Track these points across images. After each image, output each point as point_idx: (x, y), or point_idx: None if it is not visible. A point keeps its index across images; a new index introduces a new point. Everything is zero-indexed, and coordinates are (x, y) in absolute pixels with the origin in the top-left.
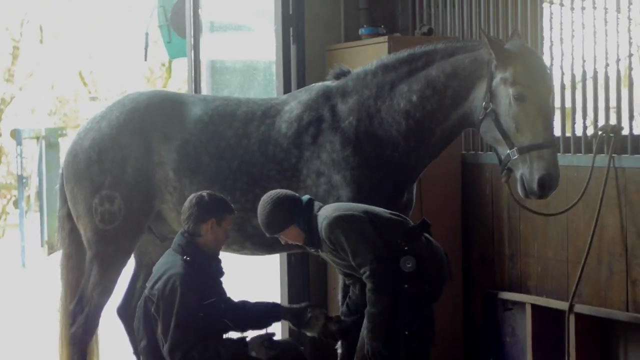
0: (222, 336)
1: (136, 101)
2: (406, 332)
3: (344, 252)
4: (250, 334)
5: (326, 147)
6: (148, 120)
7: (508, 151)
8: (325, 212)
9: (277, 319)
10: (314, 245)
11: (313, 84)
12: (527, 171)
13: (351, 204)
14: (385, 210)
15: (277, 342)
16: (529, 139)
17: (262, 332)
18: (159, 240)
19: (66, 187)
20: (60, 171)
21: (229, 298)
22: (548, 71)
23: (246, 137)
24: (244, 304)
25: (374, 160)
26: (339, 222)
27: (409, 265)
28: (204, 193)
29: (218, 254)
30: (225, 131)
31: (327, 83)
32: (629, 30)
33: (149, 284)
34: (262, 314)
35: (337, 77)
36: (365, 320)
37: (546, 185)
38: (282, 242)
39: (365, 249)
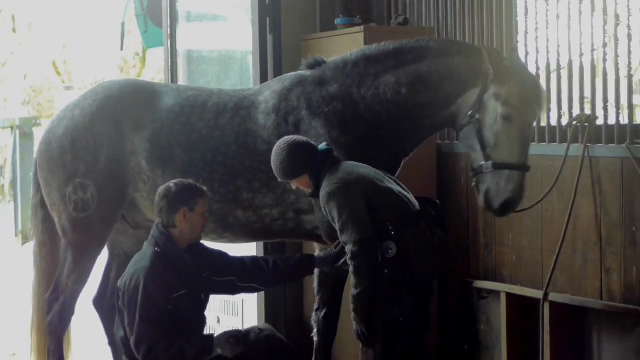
0: (191, 331)
1: (109, 89)
2: (385, 316)
3: (334, 223)
4: (217, 331)
5: (310, 134)
6: (121, 109)
7: (482, 162)
8: (332, 178)
9: (310, 272)
10: (316, 197)
11: (285, 74)
12: (494, 188)
13: (362, 173)
14: (395, 186)
15: (244, 339)
16: (504, 156)
17: (229, 328)
18: (131, 229)
19: (40, 175)
20: (34, 159)
21: (242, 259)
22: (542, 95)
23: (218, 129)
24: (276, 263)
25: (365, 136)
26: (337, 195)
27: (390, 251)
28: (172, 183)
29: (199, 239)
30: (196, 122)
31: (302, 72)
32: (604, 20)
33: (122, 276)
34: (295, 269)
35: (311, 67)
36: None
37: (508, 208)
38: (293, 187)
39: (353, 229)
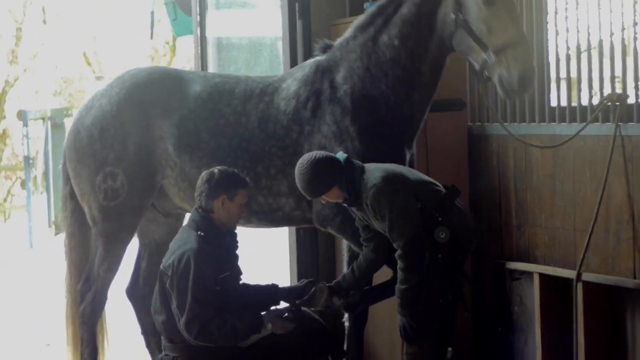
0: (238, 309)
1: (135, 77)
2: (441, 301)
3: (382, 221)
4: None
5: (326, 120)
6: (148, 96)
7: (484, 56)
8: (373, 179)
9: (275, 302)
10: (354, 205)
11: (306, 61)
12: (504, 71)
13: (396, 170)
14: (423, 176)
15: (295, 314)
16: (502, 39)
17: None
18: (161, 218)
19: (69, 166)
20: (63, 151)
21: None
22: None
23: (245, 115)
24: (243, 287)
25: (372, 126)
26: (387, 193)
27: (442, 236)
28: (215, 170)
29: (234, 229)
30: (223, 109)
31: (318, 58)
32: (634, 1)
33: (164, 259)
34: (260, 297)
35: (324, 51)
36: (396, 297)
37: (526, 83)
38: (323, 202)
39: (404, 227)
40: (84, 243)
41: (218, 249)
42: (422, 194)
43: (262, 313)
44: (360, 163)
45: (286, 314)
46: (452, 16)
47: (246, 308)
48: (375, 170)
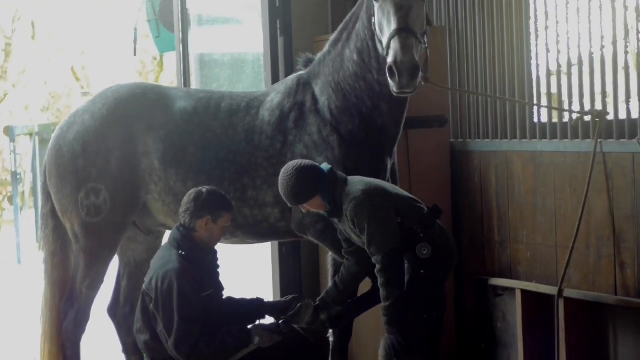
0: (225, 325)
1: (118, 93)
2: (425, 317)
3: (362, 234)
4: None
5: (307, 131)
6: (131, 111)
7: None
8: (354, 191)
9: (260, 316)
10: (335, 216)
11: (287, 77)
12: (387, 60)
13: (377, 184)
14: (405, 193)
15: (282, 328)
16: (386, 35)
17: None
18: (141, 236)
19: (50, 183)
20: (42, 168)
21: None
22: None
23: (232, 127)
24: (228, 301)
25: (349, 136)
26: (366, 206)
27: (424, 252)
28: (204, 189)
29: (213, 248)
30: (210, 122)
31: (300, 73)
32: (613, 19)
33: (146, 279)
34: (245, 311)
35: (306, 65)
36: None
37: (395, 72)
38: (304, 212)
39: (382, 241)
40: (65, 261)
41: (200, 267)
42: (403, 209)
43: (249, 327)
44: (344, 175)
45: (273, 327)
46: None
47: (232, 323)
48: (357, 184)
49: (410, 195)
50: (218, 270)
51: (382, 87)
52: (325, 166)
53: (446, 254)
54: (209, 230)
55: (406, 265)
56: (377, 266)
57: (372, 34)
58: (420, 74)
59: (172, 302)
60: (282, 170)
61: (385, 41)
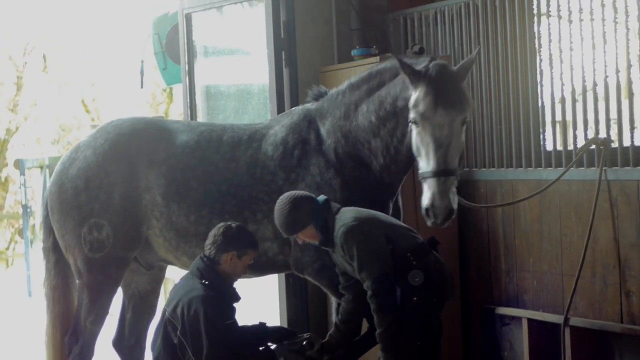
0: (249, 348)
1: (120, 128)
2: (418, 344)
3: (352, 261)
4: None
5: (310, 171)
6: (133, 146)
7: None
8: (344, 218)
9: (263, 342)
10: (328, 245)
11: (294, 108)
12: (422, 198)
13: (370, 212)
14: (400, 223)
15: (308, 348)
16: (423, 165)
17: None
18: (144, 269)
19: (52, 218)
20: (44, 203)
21: None
22: (453, 96)
23: (234, 160)
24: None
25: (354, 181)
26: (355, 232)
27: (417, 280)
28: (233, 224)
29: (234, 282)
30: (212, 156)
31: (307, 106)
32: (616, 46)
33: (168, 308)
34: (251, 337)
35: (316, 98)
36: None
37: (431, 216)
38: (299, 242)
39: (372, 266)
40: (67, 295)
41: (222, 296)
42: (395, 237)
43: (272, 347)
44: (338, 205)
45: (297, 348)
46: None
47: (254, 345)
48: (348, 211)
49: (405, 225)
50: (238, 301)
51: (398, 155)
52: (321, 198)
53: (440, 281)
54: (233, 265)
55: (398, 292)
56: (368, 292)
57: (406, 118)
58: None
59: (199, 327)
60: (278, 201)
61: (421, 170)
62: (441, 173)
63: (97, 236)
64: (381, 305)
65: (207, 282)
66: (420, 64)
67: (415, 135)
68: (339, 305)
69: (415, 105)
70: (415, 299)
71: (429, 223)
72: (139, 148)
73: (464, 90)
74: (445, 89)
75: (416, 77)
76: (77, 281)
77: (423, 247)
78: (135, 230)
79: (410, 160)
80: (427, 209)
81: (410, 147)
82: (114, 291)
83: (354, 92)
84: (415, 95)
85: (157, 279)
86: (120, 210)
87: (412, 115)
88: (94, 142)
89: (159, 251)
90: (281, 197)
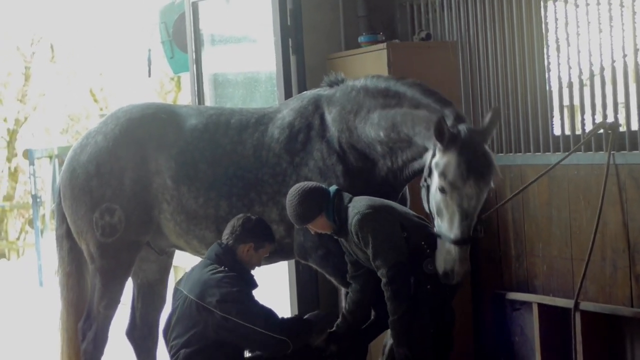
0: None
1: (130, 113)
2: (432, 331)
3: (366, 248)
4: None
5: (313, 155)
6: (143, 131)
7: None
8: (358, 207)
9: None
10: (341, 235)
11: (305, 92)
12: (440, 256)
13: (383, 201)
14: (413, 212)
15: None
16: (444, 228)
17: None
18: (153, 256)
19: (64, 204)
20: (57, 190)
21: None
22: (484, 169)
23: (241, 143)
24: None
25: (358, 171)
26: (371, 220)
27: (430, 268)
28: (253, 216)
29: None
30: (220, 139)
31: (320, 91)
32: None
33: (193, 291)
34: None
35: (331, 85)
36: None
37: (450, 278)
38: (312, 232)
39: (388, 254)
40: (81, 282)
41: (243, 279)
42: (410, 225)
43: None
44: (350, 195)
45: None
46: (423, 175)
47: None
48: (362, 200)
49: (418, 215)
50: (255, 289)
51: (404, 169)
52: (332, 188)
53: None
54: (249, 256)
55: (412, 280)
56: (383, 280)
57: (416, 152)
58: None
59: (242, 303)
60: (289, 192)
61: (440, 230)
62: (463, 242)
63: (109, 221)
64: (396, 292)
65: (226, 268)
66: (447, 118)
67: (440, 200)
68: (347, 294)
69: (444, 173)
70: (428, 286)
71: (442, 279)
72: (149, 132)
73: (493, 159)
74: (476, 160)
75: (449, 140)
76: (90, 266)
77: (434, 234)
78: (147, 214)
79: (416, 174)
80: (446, 273)
81: (415, 171)
82: (126, 276)
83: (368, 97)
84: (443, 160)
85: (165, 267)
86: (131, 194)
87: (437, 179)
88: (104, 128)
89: (170, 236)
90: (292, 189)
